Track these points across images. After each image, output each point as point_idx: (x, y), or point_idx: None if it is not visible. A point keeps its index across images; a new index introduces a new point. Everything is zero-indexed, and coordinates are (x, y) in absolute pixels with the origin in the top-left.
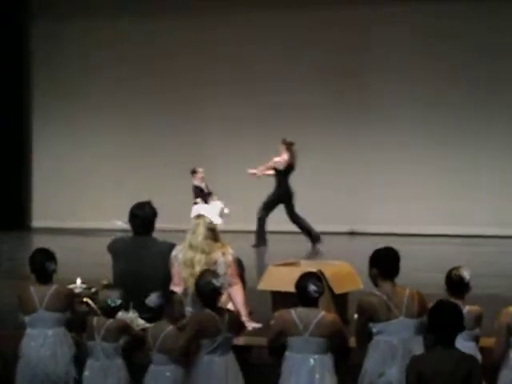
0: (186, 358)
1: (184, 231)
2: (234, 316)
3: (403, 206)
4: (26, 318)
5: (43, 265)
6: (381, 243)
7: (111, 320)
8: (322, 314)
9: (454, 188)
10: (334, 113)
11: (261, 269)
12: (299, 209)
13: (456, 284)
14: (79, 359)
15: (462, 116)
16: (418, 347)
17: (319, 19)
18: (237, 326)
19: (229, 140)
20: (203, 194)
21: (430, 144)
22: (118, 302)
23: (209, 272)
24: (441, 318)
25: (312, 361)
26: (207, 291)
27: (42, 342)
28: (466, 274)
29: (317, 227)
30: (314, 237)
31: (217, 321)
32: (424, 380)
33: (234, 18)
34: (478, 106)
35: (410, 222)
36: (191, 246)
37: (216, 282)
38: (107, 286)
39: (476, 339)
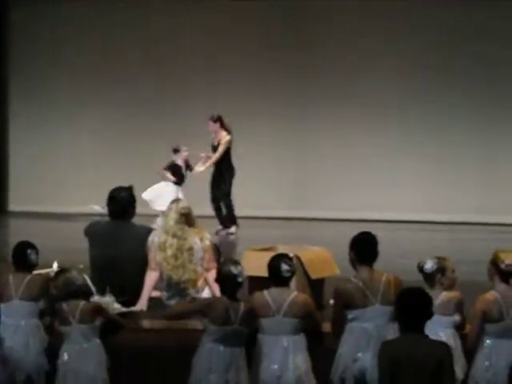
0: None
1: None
2: (250, 309)
3: (386, 192)
4: (1, 306)
5: (25, 251)
6: (364, 229)
7: (84, 302)
8: (295, 294)
9: (436, 175)
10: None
11: (239, 254)
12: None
13: (423, 274)
14: (52, 348)
15: (444, 102)
16: (392, 334)
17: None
18: (252, 319)
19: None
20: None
21: (417, 131)
22: (81, 278)
23: (229, 260)
24: (407, 305)
25: (285, 342)
26: (225, 279)
27: (15, 331)
28: (427, 265)
29: (304, 213)
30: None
31: (228, 310)
32: (398, 365)
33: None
34: (460, 91)
35: (394, 209)
36: (164, 231)
37: (235, 270)
38: (62, 271)
39: (456, 325)
